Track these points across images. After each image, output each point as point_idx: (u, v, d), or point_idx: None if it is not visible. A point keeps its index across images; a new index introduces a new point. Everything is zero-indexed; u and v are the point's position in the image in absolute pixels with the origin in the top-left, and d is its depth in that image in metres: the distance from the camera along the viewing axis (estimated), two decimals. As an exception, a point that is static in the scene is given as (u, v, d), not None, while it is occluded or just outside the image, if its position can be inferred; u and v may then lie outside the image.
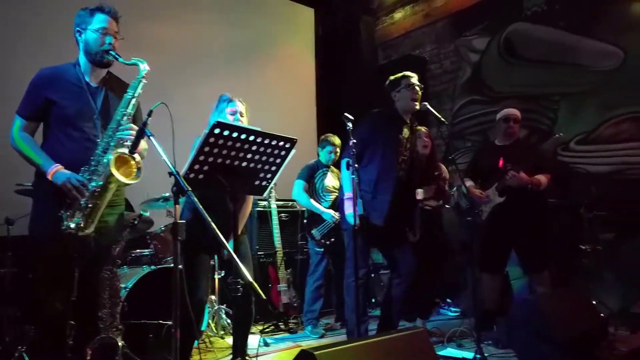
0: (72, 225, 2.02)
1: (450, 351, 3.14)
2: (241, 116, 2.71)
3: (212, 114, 2.71)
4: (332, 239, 3.93)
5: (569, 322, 2.76)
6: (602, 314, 3.38)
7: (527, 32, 4.88)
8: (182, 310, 2.50)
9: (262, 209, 4.44)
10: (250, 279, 1.71)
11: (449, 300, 4.77)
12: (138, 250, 3.51)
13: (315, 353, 1.81)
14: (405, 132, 3.13)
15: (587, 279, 3.77)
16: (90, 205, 2.05)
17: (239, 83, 5.27)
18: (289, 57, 6.00)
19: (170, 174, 1.96)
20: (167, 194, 3.30)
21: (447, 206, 3.85)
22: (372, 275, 4.59)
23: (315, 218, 3.98)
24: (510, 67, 5.01)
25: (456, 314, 4.52)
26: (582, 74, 4.43)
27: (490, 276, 3.68)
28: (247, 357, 2.76)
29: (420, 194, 3.47)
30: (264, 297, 1.69)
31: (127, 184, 2.11)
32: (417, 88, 3.09)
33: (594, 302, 3.52)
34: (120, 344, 1.97)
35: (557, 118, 4.62)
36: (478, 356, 2.79)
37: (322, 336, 3.78)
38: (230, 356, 2.05)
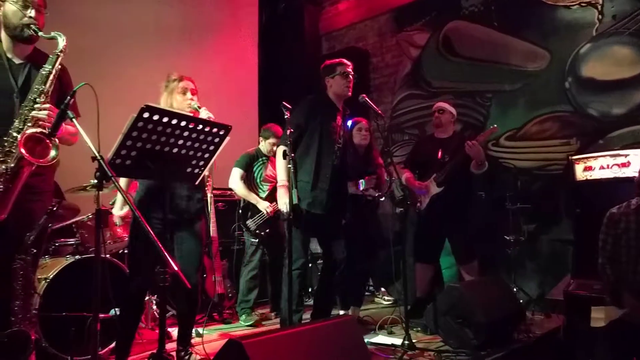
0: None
1: (381, 338, 3.22)
2: (193, 94, 2.67)
3: (163, 96, 2.67)
4: (267, 230, 3.91)
5: (490, 308, 2.92)
6: (520, 300, 3.62)
7: (465, 30, 5.06)
8: (124, 299, 2.42)
9: (198, 197, 4.33)
10: (175, 268, 1.67)
11: (383, 289, 4.91)
12: (62, 240, 3.33)
13: (243, 342, 1.80)
14: (338, 119, 3.17)
15: (509, 268, 4.00)
16: (1, 188, 1.91)
17: (176, 66, 5.05)
18: (230, 42, 5.84)
19: (94, 158, 1.87)
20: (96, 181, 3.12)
21: (382, 199, 3.93)
22: (310, 265, 4.62)
23: (251, 208, 3.93)
24: (448, 63, 5.17)
25: (389, 302, 4.65)
26: (512, 73, 4.65)
27: (423, 265, 3.82)
28: (189, 348, 2.70)
29: (362, 184, 3.53)
30: (189, 286, 1.66)
31: (43, 166, 1.99)
32: (351, 77, 3.13)
33: (513, 289, 3.76)
34: (33, 337, 1.86)
35: (489, 114, 4.84)
36: (406, 342, 2.89)
37: (256, 326, 3.76)
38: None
